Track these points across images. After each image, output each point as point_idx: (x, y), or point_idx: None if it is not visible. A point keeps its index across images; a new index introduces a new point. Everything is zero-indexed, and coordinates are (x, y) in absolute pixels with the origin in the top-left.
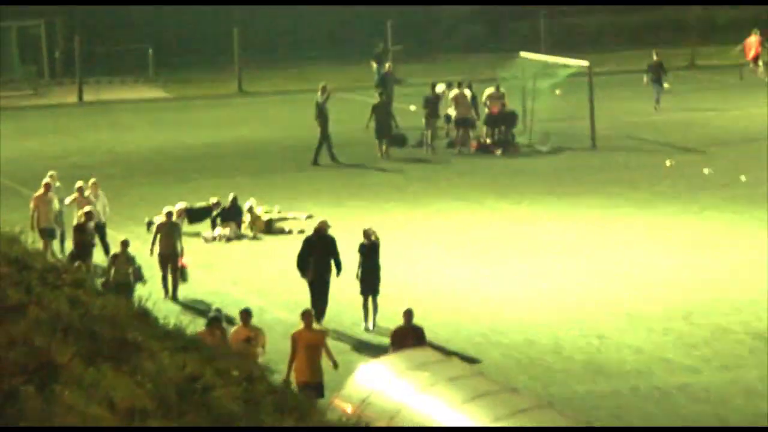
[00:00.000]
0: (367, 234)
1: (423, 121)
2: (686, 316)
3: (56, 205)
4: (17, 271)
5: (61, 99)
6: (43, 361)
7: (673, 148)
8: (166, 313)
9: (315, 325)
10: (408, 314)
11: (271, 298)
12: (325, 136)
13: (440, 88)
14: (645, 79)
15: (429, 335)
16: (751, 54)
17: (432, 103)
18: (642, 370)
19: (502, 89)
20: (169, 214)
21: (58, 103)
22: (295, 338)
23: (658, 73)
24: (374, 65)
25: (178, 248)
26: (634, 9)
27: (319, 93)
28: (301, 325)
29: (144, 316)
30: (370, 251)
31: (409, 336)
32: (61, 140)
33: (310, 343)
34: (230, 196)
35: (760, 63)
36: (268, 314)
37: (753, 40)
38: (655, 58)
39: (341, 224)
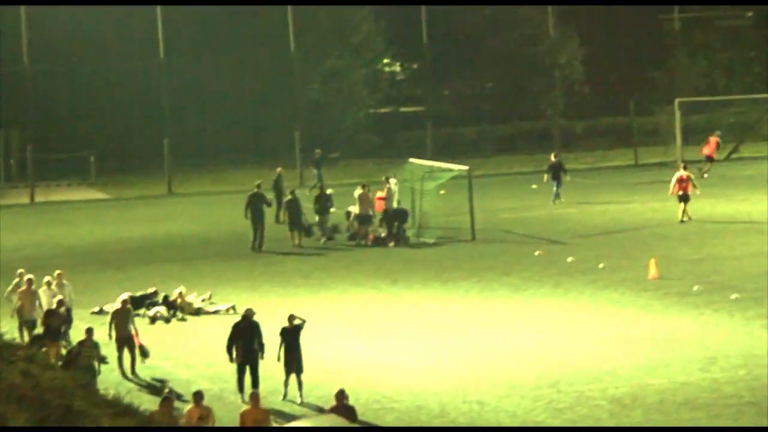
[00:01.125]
0: (290, 319)
1: (316, 218)
2: (554, 385)
3: (38, 298)
4: None
5: (16, 200)
6: None
7: (541, 239)
8: (107, 384)
9: (261, 405)
10: (340, 394)
11: (197, 371)
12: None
13: (393, 181)
14: (545, 177)
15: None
16: (706, 152)
17: (321, 201)
18: None
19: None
20: (124, 302)
21: (12, 204)
22: (243, 416)
23: (557, 171)
24: (314, 170)
25: (132, 331)
26: (505, 121)
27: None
28: (248, 406)
29: (87, 387)
30: (290, 334)
31: (341, 415)
32: (16, 236)
33: (257, 419)
34: (161, 296)
35: (709, 165)
36: (194, 385)
37: (713, 140)
38: (553, 159)
39: (256, 307)
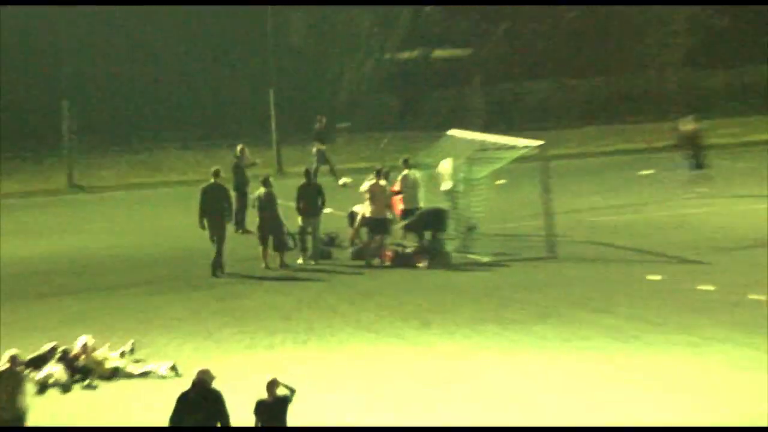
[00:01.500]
0: (270, 387)
1: (299, 219)
2: None
3: None
4: None
5: None
6: None
7: (658, 256)
8: None
9: None
10: None
11: None
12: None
13: (447, 162)
14: (678, 156)
15: None
16: None
17: (308, 195)
18: None
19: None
20: (13, 360)
21: None
22: None
23: (695, 143)
24: (314, 147)
25: (24, 409)
26: (595, 74)
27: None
28: None
29: None
30: (271, 411)
31: None
32: None
33: None
34: (59, 351)
35: None
36: None
37: None
38: (688, 126)
39: (211, 366)
